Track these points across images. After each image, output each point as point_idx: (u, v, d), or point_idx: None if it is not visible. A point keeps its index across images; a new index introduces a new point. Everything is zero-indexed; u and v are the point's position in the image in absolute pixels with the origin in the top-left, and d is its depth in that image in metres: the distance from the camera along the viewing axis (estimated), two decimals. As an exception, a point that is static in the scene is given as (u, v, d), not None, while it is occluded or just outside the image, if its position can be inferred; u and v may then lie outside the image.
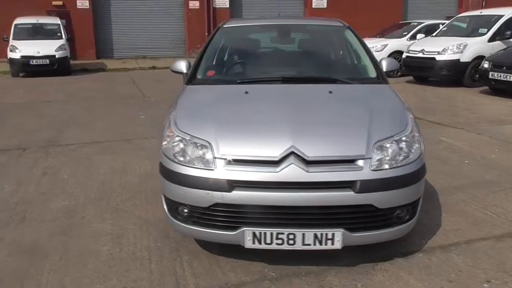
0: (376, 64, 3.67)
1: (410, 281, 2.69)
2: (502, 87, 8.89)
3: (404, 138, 2.77)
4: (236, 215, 2.62)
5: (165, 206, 2.89)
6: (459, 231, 3.31)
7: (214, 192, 2.59)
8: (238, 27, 4.39)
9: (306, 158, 2.57)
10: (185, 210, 2.75)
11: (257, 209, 2.58)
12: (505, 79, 8.69)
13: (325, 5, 19.44)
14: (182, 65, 3.99)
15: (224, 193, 2.58)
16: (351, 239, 2.61)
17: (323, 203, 2.55)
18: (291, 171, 2.55)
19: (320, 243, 2.58)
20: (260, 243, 2.61)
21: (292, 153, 2.58)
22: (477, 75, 9.93)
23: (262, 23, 4.49)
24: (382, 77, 3.55)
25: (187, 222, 2.77)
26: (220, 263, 2.90)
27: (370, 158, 2.61)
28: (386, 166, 2.62)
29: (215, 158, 2.65)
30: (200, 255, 3.00)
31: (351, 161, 2.61)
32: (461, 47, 10.11)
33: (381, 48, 12.44)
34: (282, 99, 3.16)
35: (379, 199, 2.58)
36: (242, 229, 2.61)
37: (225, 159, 2.64)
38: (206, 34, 17.77)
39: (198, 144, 2.74)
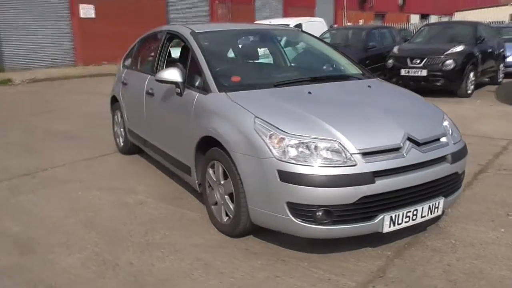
0: (352, 60, 4.23)
1: (477, 228, 3.38)
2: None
3: (447, 117, 3.43)
4: (375, 204, 2.78)
5: (289, 214, 2.76)
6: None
7: (360, 186, 2.69)
8: (215, 32, 4.23)
9: (418, 141, 2.94)
10: (322, 212, 2.72)
11: (392, 194, 2.81)
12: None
13: (93, 15, 18.52)
14: (175, 74, 3.63)
15: (369, 185, 2.71)
16: (446, 204, 3.12)
17: (434, 177, 2.97)
18: (413, 154, 2.89)
19: (431, 213, 3.01)
20: (394, 225, 2.85)
21: (409, 138, 2.91)
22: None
23: (237, 28, 4.39)
24: (369, 72, 4.13)
25: (326, 223, 2.75)
26: (338, 258, 2.97)
27: (446, 135, 3.17)
28: (455, 140, 3.23)
29: (352, 154, 2.74)
30: (310, 257, 2.98)
31: (438, 139, 3.11)
32: (267, 52, 11.52)
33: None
34: (346, 95, 3.39)
35: (460, 166, 3.17)
36: (382, 216, 2.79)
37: (362, 153, 2.76)
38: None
39: (324, 144, 2.76)
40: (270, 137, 2.83)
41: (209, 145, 3.34)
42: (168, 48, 4.45)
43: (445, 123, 3.30)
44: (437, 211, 3.04)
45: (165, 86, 3.95)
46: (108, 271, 2.88)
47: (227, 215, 3.28)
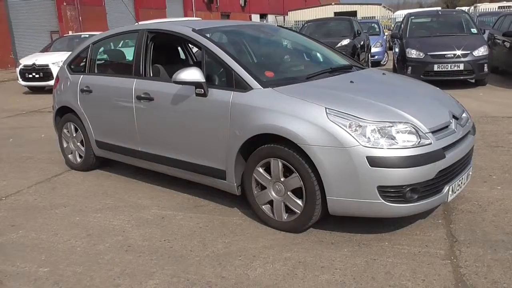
0: (338, 52, 4.48)
1: (480, 189, 3.91)
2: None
3: None
4: (444, 177, 3.06)
5: (380, 198, 2.87)
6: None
7: (438, 162, 2.94)
8: (216, 28, 4.01)
9: (457, 116, 3.32)
10: (410, 191, 2.90)
11: (453, 166, 3.12)
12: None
13: None
14: (197, 74, 3.41)
15: (443, 160, 2.97)
16: (470, 171, 3.56)
17: (469, 148, 3.37)
18: (459, 129, 3.24)
19: (467, 179, 3.42)
20: (453, 193, 3.18)
21: (453, 116, 3.26)
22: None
23: (233, 24, 4.18)
24: (357, 61, 4.42)
25: (413, 201, 2.93)
26: (405, 233, 3.19)
27: (465, 111, 3.61)
28: (468, 116, 3.69)
29: (426, 133, 2.96)
30: (384, 237, 3.14)
31: (460, 115, 3.52)
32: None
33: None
34: (381, 83, 3.59)
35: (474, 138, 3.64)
36: (447, 187, 3.08)
37: (431, 132, 3.00)
38: None
39: (402, 127, 2.93)
40: (350, 126, 2.89)
41: (256, 144, 3.25)
42: (151, 48, 4.11)
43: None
44: (469, 178, 3.46)
45: (172, 88, 3.68)
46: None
47: (287, 211, 3.24)
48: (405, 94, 3.47)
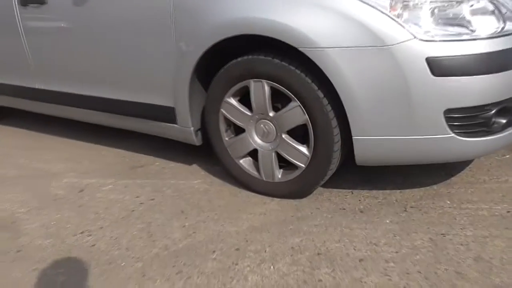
0: None
1: None
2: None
3: None
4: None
5: (449, 130, 1.64)
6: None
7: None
8: None
9: None
10: (497, 113, 1.69)
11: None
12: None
13: None
14: None
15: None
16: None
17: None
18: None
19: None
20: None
21: None
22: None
23: None
24: None
25: (501, 130, 1.72)
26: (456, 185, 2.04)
27: None
28: None
29: (514, 12, 1.71)
30: (427, 194, 1.98)
31: None
32: None
33: None
34: None
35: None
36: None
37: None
38: None
39: (477, 3, 1.66)
40: (391, 7, 1.59)
41: (221, 60, 1.93)
42: None
43: None
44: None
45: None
46: None
47: (281, 166, 1.99)
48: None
